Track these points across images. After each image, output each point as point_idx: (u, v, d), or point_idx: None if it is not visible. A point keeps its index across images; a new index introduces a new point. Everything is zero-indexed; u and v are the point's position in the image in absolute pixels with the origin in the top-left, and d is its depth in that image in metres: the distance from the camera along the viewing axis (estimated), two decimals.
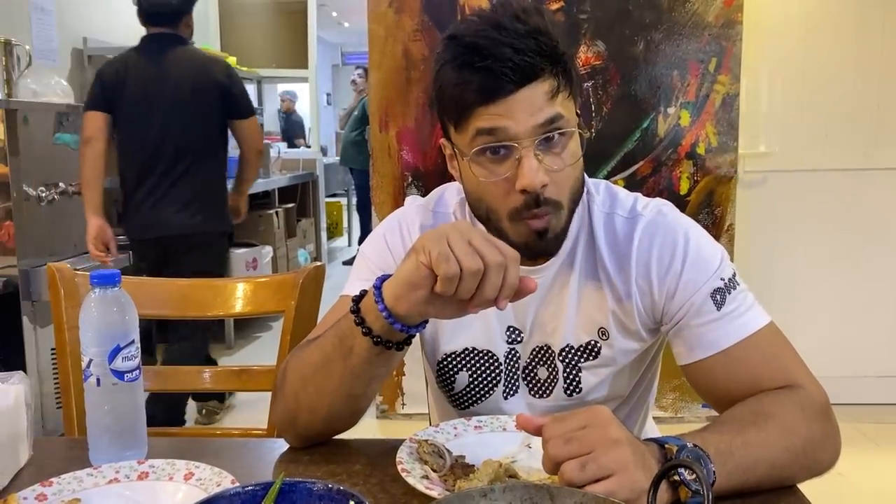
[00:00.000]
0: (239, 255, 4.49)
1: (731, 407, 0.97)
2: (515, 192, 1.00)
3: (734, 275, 1.06)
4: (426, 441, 1.00)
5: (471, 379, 1.17)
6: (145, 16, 2.94)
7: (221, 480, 0.90)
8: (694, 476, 0.77)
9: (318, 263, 1.42)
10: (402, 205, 1.23)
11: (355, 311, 0.94)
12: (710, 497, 0.65)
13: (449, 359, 1.17)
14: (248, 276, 1.46)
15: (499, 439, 1.06)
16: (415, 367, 1.33)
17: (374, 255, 1.18)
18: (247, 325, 4.90)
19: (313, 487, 0.78)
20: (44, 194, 3.04)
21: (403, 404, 3.41)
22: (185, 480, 0.92)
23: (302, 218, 5.77)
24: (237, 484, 0.89)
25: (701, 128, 3.20)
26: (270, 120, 6.85)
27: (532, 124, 0.97)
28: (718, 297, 1.03)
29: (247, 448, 1.11)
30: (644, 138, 3.19)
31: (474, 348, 1.16)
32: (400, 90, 3.20)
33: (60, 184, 3.12)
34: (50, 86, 3.33)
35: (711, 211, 3.18)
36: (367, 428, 3.30)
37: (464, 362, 1.17)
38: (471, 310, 0.88)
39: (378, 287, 0.91)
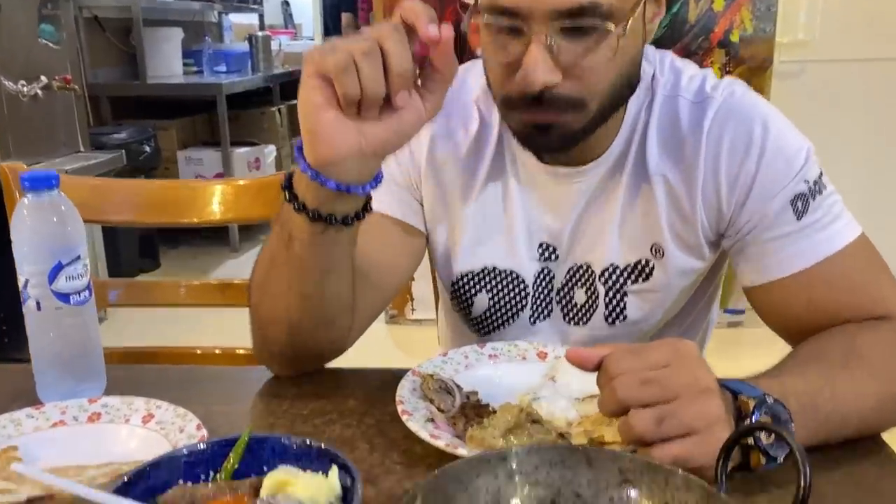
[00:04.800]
0: (241, 154, 4.29)
1: (814, 338, 0.79)
2: (515, 78, 0.80)
3: (821, 175, 0.86)
4: (431, 376, 0.84)
5: (491, 302, 1.00)
6: None
7: (185, 425, 0.75)
8: (771, 440, 0.61)
9: None
10: None
11: (287, 186, 0.76)
12: (809, 474, 0.48)
13: (465, 279, 1.00)
14: (231, 179, 1.27)
15: (517, 371, 0.90)
16: (425, 271, 1.19)
17: None
18: (253, 228, 4.75)
19: (289, 443, 0.62)
20: (25, 89, 2.83)
21: (413, 309, 3.29)
22: (144, 423, 0.77)
23: None
24: (202, 430, 0.74)
25: (735, 12, 2.90)
26: (273, 12, 6.49)
27: (551, 6, 0.76)
28: (800, 204, 0.84)
29: (224, 378, 0.96)
30: (673, 25, 2.90)
31: (495, 267, 0.99)
32: None
33: (43, 77, 2.89)
34: None
35: None
36: (377, 335, 3.17)
37: (482, 283, 1.00)
38: (397, 102, 0.68)
39: (300, 146, 0.73)
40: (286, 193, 0.76)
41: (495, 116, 0.96)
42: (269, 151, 4.58)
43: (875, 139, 3.27)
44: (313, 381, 0.92)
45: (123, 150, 3.40)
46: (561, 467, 0.59)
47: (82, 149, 3.22)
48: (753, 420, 0.63)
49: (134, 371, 1.01)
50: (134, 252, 3.69)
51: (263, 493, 0.57)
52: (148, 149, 3.84)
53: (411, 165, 0.98)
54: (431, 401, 0.81)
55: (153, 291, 1.23)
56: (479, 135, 0.96)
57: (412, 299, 3.28)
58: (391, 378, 0.86)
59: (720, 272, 1.02)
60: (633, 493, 0.57)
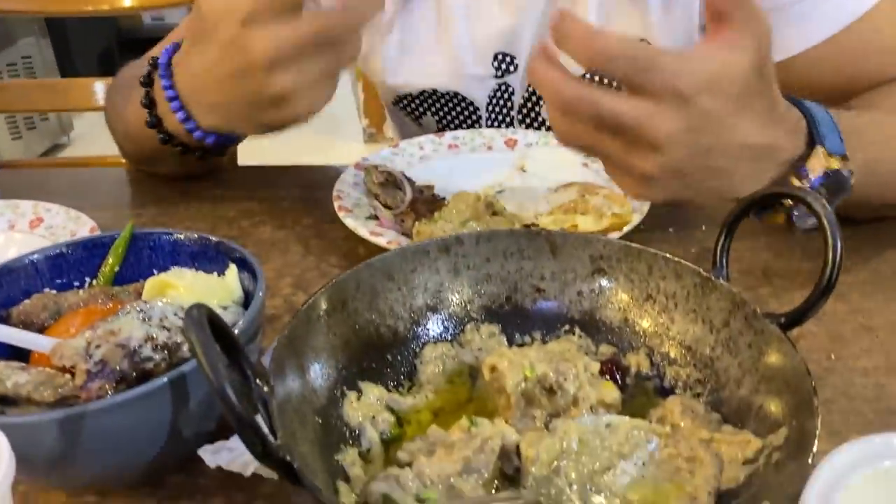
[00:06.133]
0: None
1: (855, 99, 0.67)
2: None
3: None
4: (376, 167, 0.70)
5: (440, 125, 0.86)
6: None
7: (78, 228, 0.63)
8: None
9: None
10: None
11: (146, 98, 0.65)
12: (839, 249, 0.36)
13: (404, 102, 0.85)
14: None
15: (482, 161, 0.76)
16: None
17: None
18: None
19: (178, 240, 0.50)
20: None
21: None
22: (31, 229, 0.65)
23: None
24: (97, 232, 0.62)
25: None
26: None
27: None
28: None
29: (140, 181, 0.82)
30: None
31: (435, 90, 0.82)
32: None
33: None
34: None
35: None
36: (354, 154, 3.04)
37: (425, 105, 0.84)
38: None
39: (166, 67, 0.62)
40: (147, 115, 0.65)
41: None
42: None
43: None
44: (241, 179, 0.79)
45: None
46: (518, 258, 0.47)
47: None
48: (814, 184, 0.50)
49: (33, 175, 0.87)
50: (92, 68, 3.43)
51: (144, 297, 0.46)
52: None
53: None
54: (377, 196, 0.68)
55: (66, 93, 1.06)
56: None
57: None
58: (333, 175, 0.73)
59: None
60: (606, 283, 0.45)
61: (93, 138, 3.08)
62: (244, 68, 0.53)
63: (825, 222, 0.37)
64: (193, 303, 0.31)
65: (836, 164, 0.51)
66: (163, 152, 0.68)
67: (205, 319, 0.29)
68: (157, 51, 0.84)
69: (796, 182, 0.50)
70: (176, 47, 0.62)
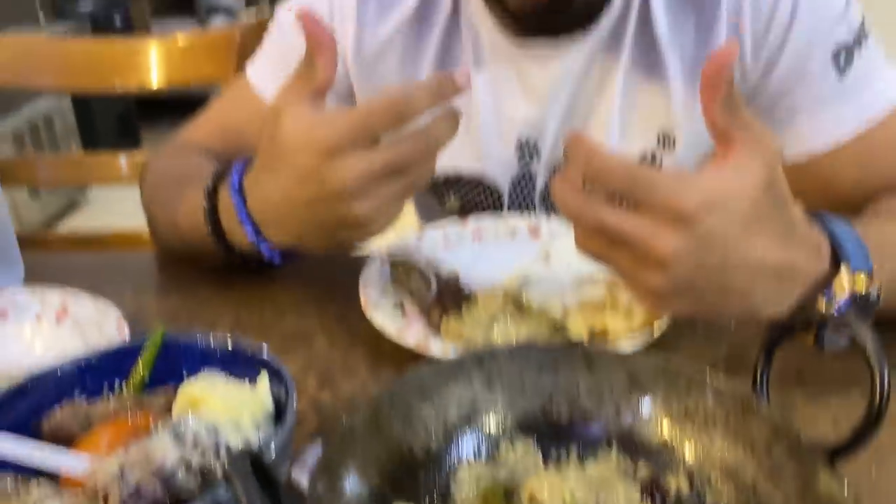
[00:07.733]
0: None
1: (874, 205, 0.66)
2: None
3: (864, 21, 0.69)
4: (403, 263, 0.70)
5: (463, 210, 0.87)
6: None
7: (104, 320, 0.63)
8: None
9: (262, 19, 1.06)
10: None
11: (211, 213, 0.66)
12: (887, 382, 0.35)
13: (431, 186, 0.86)
14: (168, 35, 1.09)
15: (506, 250, 0.77)
16: None
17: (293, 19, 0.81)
18: None
19: (211, 348, 0.50)
20: None
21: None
22: (58, 321, 0.65)
23: None
24: (124, 327, 0.61)
25: None
26: None
27: None
28: (843, 57, 0.67)
29: (168, 265, 0.82)
30: None
31: (459, 175, 0.83)
32: None
33: None
34: None
35: None
36: None
37: (447, 187, 0.85)
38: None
39: (238, 189, 0.62)
40: (211, 228, 0.66)
41: None
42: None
43: None
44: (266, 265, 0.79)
45: (90, 21, 3.15)
46: (552, 373, 0.46)
47: (42, 18, 2.98)
48: (841, 308, 0.49)
49: (53, 258, 0.87)
50: (111, 131, 3.49)
51: (175, 411, 0.45)
52: (118, 18, 3.57)
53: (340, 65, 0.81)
54: (404, 285, 0.68)
55: (89, 167, 1.07)
56: (422, 12, 0.78)
57: None
58: (359, 265, 0.73)
59: None
60: (645, 401, 0.45)
61: (109, 198, 3.12)
62: (324, 198, 0.55)
63: (872, 356, 0.36)
64: (238, 449, 0.31)
65: (862, 283, 0.51)
66: (213, 255, 0.69)
67: (249, 468, 0.29)
68: (201, 137, 0.83)
69: (823, 304, 0.49)
70: (244, 165, 0.63)
